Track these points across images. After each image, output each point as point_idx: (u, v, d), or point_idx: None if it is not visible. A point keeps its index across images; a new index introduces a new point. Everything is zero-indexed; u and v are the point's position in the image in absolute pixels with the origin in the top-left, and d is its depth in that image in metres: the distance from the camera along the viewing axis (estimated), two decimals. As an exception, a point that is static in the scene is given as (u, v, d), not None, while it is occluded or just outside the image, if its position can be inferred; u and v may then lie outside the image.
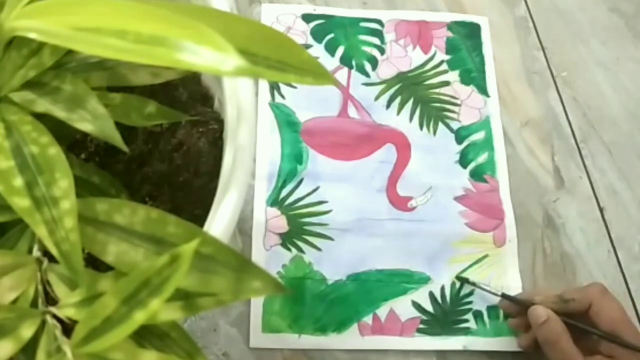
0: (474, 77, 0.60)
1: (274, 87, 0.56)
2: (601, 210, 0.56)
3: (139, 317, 0.20)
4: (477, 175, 0.56)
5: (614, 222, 0.56)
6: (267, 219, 0.51)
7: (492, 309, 0.51)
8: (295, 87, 0.56)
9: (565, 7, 0.66)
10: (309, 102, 0.56)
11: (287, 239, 0.51)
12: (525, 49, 0.63)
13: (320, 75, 0.21)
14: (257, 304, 0.48)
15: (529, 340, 0.48)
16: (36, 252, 0.24)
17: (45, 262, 0.24)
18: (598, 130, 0.60)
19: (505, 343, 0.50)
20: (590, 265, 0.54)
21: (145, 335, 0.23)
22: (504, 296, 0.50)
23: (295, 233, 0.51)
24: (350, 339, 0.48)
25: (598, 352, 0.45)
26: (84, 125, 0.24)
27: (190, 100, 0.37)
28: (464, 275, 0.51)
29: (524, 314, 0.47)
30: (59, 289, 0.23)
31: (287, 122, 0.55)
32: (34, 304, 0.23)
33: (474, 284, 0.51)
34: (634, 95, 0.62)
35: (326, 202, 0.52)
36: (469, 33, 0.62)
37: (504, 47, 0.63)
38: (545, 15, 0.65)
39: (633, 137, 0.60)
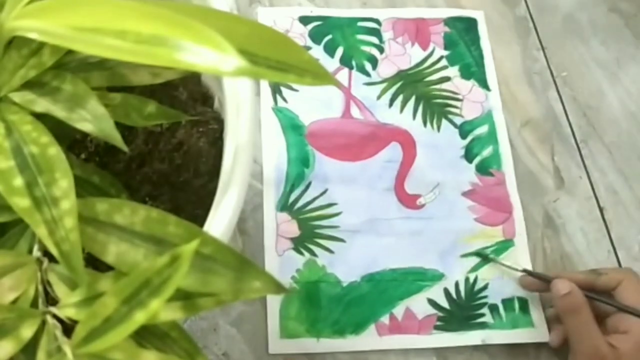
0: (474, 71, 0.60)
1: (276, 91, 0.56)
2: (601, 210, 0.57)
3: (139, 317, 0.20)
4: (483, 169, 0.56)
5: (614, 222, 0.56)
6: (277, 224, 0.51)
7: (507, 301, 0.51)
8: (297, 90, 0.56)
9: (565, 7, 0.66)
10: (312, 105, 0.56)
11: (299, 243, 0.50)
12: (525, 49, 0.63)
13: (320, 75, 0.21)
14: (273, 309, 0.48)
15: (561, 336, 0.48)
16: (36, 252, 0.24)
17: (46, 262, 0.24)
18: (598, 130, 0.60)
19: (522, 335, 0.50)
20: (590, 265, 0.54)
21: (146, 335, 0.23)
22: (525, 271, 0.50)
23: (307, 237, 0.51)
24: (369, 339, 0.48)
25: (614, 333, 0.46)
26: (84, 125, 0.24)
27: (190, 100, 0.37)
28: (477, 272, 0.52)
29: (542, 291, 0.49)
30: (59, 289, 0.23)
31: (291, 125, 0.55)
32: (34, 304, 0.23)
33: (493, 259, 0.52)
34: (634, 95, 0.62)
35: (335, 204, 0.52)
36: (466, 28, 0.62)
37: (504, 47, 0.63)
38: (545, 15, 0.65)
39: (633, 137, 0.60)
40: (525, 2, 0.65)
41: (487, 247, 0.53)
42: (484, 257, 0.52)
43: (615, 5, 0.67)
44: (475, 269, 0.52)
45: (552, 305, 0.50)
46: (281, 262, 0.49)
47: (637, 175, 0.58)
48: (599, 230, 0.56)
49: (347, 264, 0.50)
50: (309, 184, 0.53)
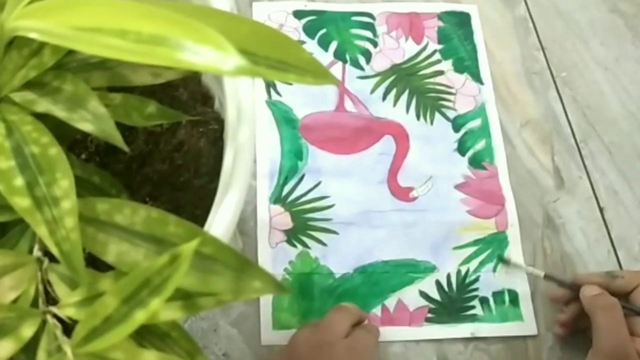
0: (468, 65, 0.61)
1: (269, 85, 0.56)
2: (601, 210, 0.57)
3: (140, 317, 0.20)
4: (475, 162, 0.56)
5: (614, 222, 0.56)
6: (271, 216, 0.51)
7: (497, 294, 0.51)
8: (291, 84, 0.56)
9: (565, 7, 0.66)
10: (306, 98, 0.56)
11: (292, 236, 0.51)
12: (525, 49, 0.63)
13: (320, 74, 0.21)
14: (266, 301, 0.48)
15: (568, 331, 0.49)
16: (37, 252, 0.24)
17: (46, 261, 0.24)
18: (598, 130, 0.60)
19: (512, 328, 0.50)
20: (590, 265, 0.54)
21: (146, 335, 0.23)
22: (547, 277, 0.51)
23: (300, 229, 0.51)
24: None
25: (634, 335, 0.46)
26: (85, 125, 0.24)
27: (190, 101, 0.37)
28: (469, 264, 0.52)
29: (570, 300, 0.49)
30: (60, 289, 0.23)
31: (285, 119, 0.55)
32: (34, 303, 0.23)
33: (516, 265, 0.52)
34: (634, 95, 0.62)
35: (328, 196, 0.53)
36: (460, 22, 0.63)
37: (504, 47, 0.63)
38: (545, 15, 0.65)
39: (633, 137, 0.60)
40: (525, 2, 0.65)
41: (480, 239, 0.53)
42: (505, 262, 0.52)
43: (615, 5, 0.67)
44: (467, 261, 0.52)
45: (563, 311, 0.50)
46: (274, 254, 0.50)
47: (637, 175, 0.58)
48: (599, 230, 0.56)
49: (339, 256, 0.51)
50: (302, 176, 0.53)
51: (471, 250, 0.53)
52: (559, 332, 0.50)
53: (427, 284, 0.51)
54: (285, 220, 0.51)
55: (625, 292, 0.48)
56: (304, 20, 0.60)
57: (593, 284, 0.48)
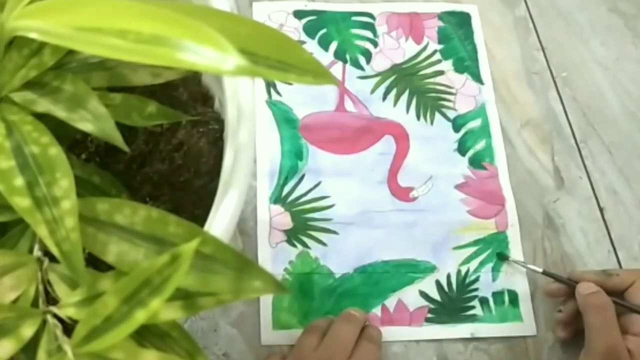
0: (468, 65, 0.61)
1: (270, 85, 0.57)
2: (601, 210, 0.57)
3: (140, 317, 0.20)
4: (476, 162, 0.56)
5: (614, 222, 0.56)
6: (271, 216, 0.51)
7: (497, 294, 0.51)
8: (291, 84, 0.57)
9: (565, 7, 0.66)
10: (306, 98, 0.56)
11: (292, 236, 0.51)
12: (525, 49, 0.63)
13: (320, 74, 0.21)
14: (266, 301, 0.48)
15: (571, 334, 0.49)
16: (37, 252, 0.24)
17: (46, 261, 0.24)
18: (598, 130, 0.60)
19: (511, 329, 0.51)
20: (590, 266, 0.54)
21: (146, 335, 0.23)
22: (545, 273, 0.51)
23: (300, 229, 0.51)
24: None
25: (624, 334, 0.46)
26: (85, 125, 0.24)
27: (190, 101, 0.37)
28: (469, 264, 0.52)
29: (567, 298, 0.49)
30: (60, 289, 0.23)
31: (285, 119, 0.55)
32: (34, 303, 0.23)
33: (515, 261, 0.52)
34: (633, 95, 0.62)
35: (328, 196, 0.53)
36: (460, 22, 0.63)
37: (504, 47, 0.63)
38: (545, 15, 0.65)
39: (633, 137, 0.60)
40: (525, 2, 0.66)
41: (480, 240, 0.53)
42: (503, 258, 0.52)
43: (615, 5, 0.67)
44: (467, 261, 0.52)
45: (560, 310, 0.50)
46: (274, 254, 0.50)
47: (637, 175, 0.58)
48: (599, 230, 0.56)
49: (339, 256, 0.51)
50: (303, 176, 0.53)
51: (471, 250, 0.53)
52: (561, 334, 0.50)
53: (427, 284, 0.51)
54: (285, 220, 0.51)
55: (620, 290, 0.48)
56: (304, 20, 0.60)
57: (591, 283, 0.48)
